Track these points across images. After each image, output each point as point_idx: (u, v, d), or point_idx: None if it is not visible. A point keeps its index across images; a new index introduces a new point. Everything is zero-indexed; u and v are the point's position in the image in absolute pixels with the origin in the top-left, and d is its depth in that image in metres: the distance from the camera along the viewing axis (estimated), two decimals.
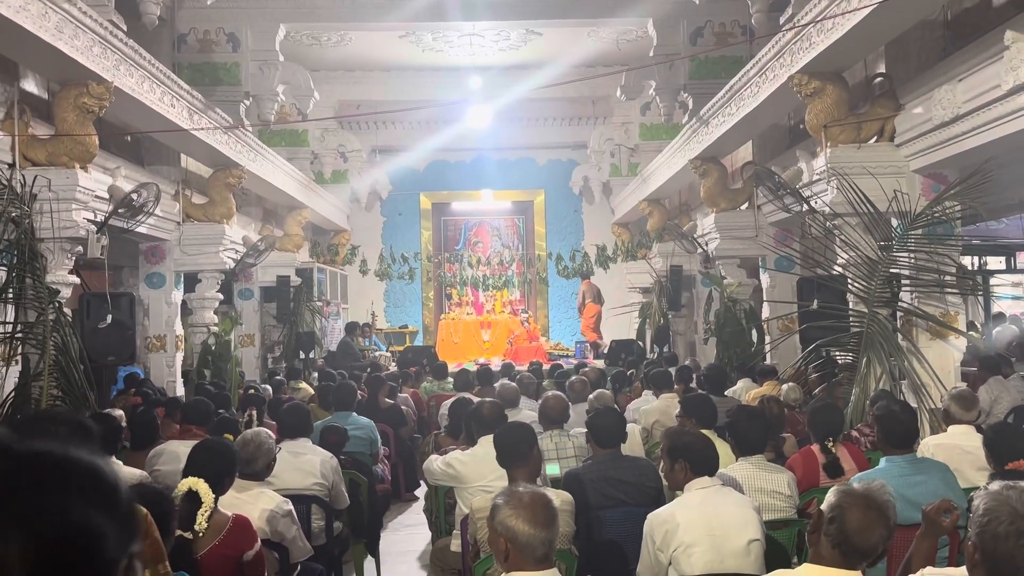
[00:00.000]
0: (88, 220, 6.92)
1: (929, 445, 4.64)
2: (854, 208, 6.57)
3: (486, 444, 4.17)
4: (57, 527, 0.71)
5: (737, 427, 4.18)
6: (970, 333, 8.02)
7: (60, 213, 6.35)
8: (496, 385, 7.38)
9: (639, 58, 12.98)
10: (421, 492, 7.44)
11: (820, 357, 7.08)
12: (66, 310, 6.34)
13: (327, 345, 14.18)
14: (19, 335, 5.78)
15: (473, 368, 9.86)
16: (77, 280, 6.97)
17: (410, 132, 17.14)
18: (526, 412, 6.21)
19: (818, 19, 6.35)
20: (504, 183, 18.09)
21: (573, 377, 8.12)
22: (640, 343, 13.88)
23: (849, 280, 6.75)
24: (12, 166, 6.35)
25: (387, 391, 8.38)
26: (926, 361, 6.36)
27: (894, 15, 5.83)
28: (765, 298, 9.69)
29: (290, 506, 4.01)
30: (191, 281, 10.26)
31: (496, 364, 11.53)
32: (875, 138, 7.06)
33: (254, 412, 7.01)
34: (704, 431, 4.11)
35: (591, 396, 6.44)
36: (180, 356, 9.71)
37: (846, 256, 6.77)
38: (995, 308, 12.77)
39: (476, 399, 5.84)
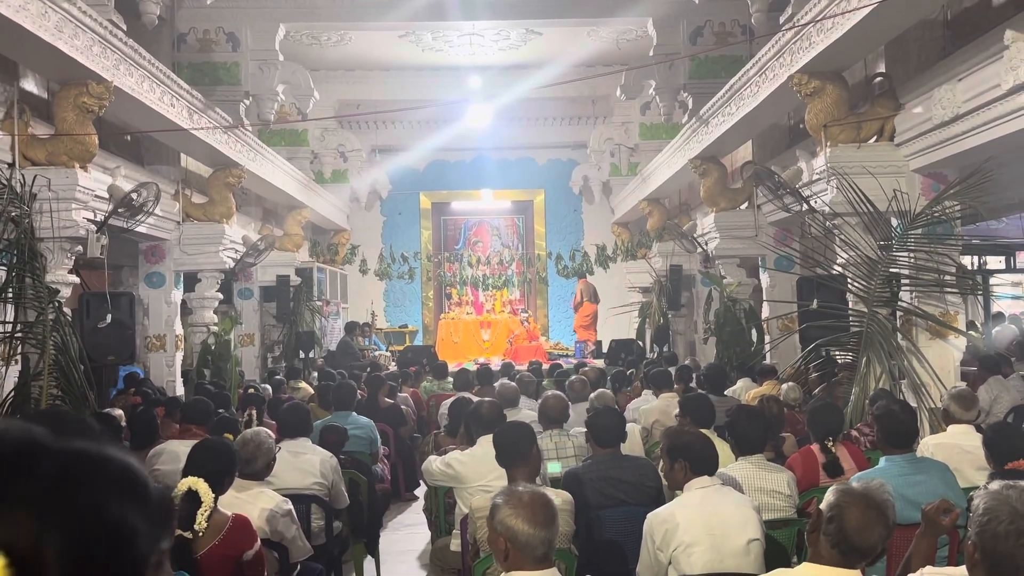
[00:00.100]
0: (88, 220, 6.92)
1: (929, 445, 4.65)
2: (854, 208, 6.57)
3: (485, 444, 4.17)
4: (94, 525, 0.72)
5: (737, 427, 4.19)
6: (970, 333, 8.02)
7: (60, 213, 6.35)
8: (496, 385, 7.38)
9: (639, 58, 12.99)
10: (421, 492, 7.43)
11: (820, 357, 7.08)
12: (66, 310, 6.34)
13: (327, 345, 14.19)
14: (19, 335, 5.78)
15: (473, 368, 9.86)
16: (77, 280, 6.97)
17: (410, 132, 17.15)
18: (526, 412, 6.21)
19: (818, 19, 6.35)
20: (504, 183, 18.09)
21: (573, 377, 8.12)
22: (640, 343, 13.89)
23: (849, 280, 6.75)
24: (12, 166, 6.35)
25: (387, 391, 8.38)
26: (926, 361, 6.36)
27: (894, 15, 5.83)
28: (765, 298, 9.69)
29: (290, 506, 4.01)
30: (191, 281, 10.26)
31: (496, 364, 11.53)
32: (875, 138, 7.06)
33: (254, 412, 7.01)
34: (703, 431, 4.11)
35: (592, 395, 6.44)
36: (180, 356, 9.71)
37: (846, 256, 6.77)
38: (994, 308, 12.77)
39: (476, 399, 5.84)
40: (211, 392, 7.32)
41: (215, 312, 10.66)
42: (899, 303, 6.71)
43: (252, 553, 3.37)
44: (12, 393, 5.63)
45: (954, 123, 6.06)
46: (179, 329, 9.72)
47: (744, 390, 7.74)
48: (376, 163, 17.45)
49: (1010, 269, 13.44)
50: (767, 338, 9.53)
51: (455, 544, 4.46)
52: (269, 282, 12.98)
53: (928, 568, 2.55)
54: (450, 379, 10.01)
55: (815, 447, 4.56)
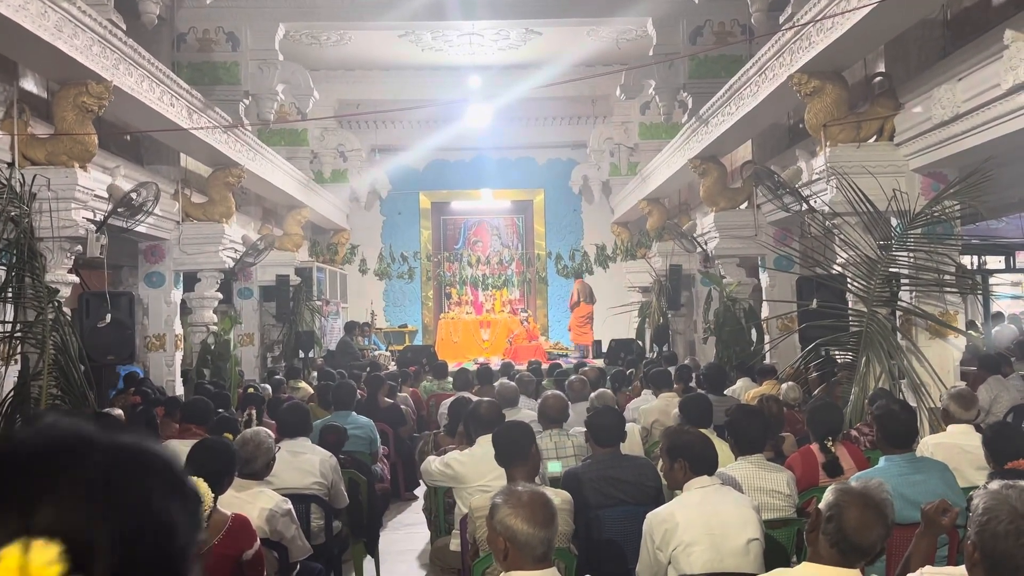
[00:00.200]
0: (87, 219, 6.92)
1: (928, 444, 4.64)
2: (853, 207, 6.57)
3: (484, 443, 4.17)
4: (141, 517, 0.74)
5: (736, 426, 4.19)
6: (969, 332, 8.02)
7: (59, 212, 6.35)
8: (495, 384, 7.38)
9: (639, 57, 12.98)
10: (420, 491, 7.43)
11: (819, 356, 7.08)
12: (65, 309, 6.34)
13: (326, 344, 14.19)
14: (18, 334, 5.77)
15: (472, 367, 9.86)
16: (76, 279, 6.97)
17: (410, 131, 17.15)
18: (525, 411, 6.20)
19: (818, 18, 6.35)
20: (503, 182, 18.09)
21: (572, 376, 8.12)
22: (639, 342, 13.89)
23: (848, 279, 6.75)
24: (11, 165, 6.35)
25: (386, 390, 8.38)
26: (925, 360, 6.36)
27: (894, 14, 5.83)
28: (764, 297, 9.69)
29: (289, 505, 4.01)
30: (190, 280, 10.26)
31: (495, 363, 11.53)
32: (874, 137, 7.06)
33: (253, 411, 7.01)
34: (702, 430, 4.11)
35: (592, 395, 6.44)
36: (179, 355, 9.71)
37: (845, 255, 6.77)
38: (994, 308, 12.77)
39: (475, 398, 5.84)
40: (211, 392, 7.32)
41: (215, 312, 10.66)
42: (899, 303, 6.71)
43: (252, 553, 3.37)
44: (12, 393, 5.63)
45: (954, 123, 6.06)
46: (179, 329, 9.72)
47: (744, 390, 7.74)
48: (376, 163, 17.44)
49: (1009, 269, 13.44)
50: (767, 338, 9.53)
51: (455, 544, 4.46)
52: (269, 282, 12.98)
53: (927, 568, 2.55)
54: (450, 379, 10.01)
55: (814, 447, 4.56)
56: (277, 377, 10.01)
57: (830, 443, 4.48)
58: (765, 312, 9.53)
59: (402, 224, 18.33)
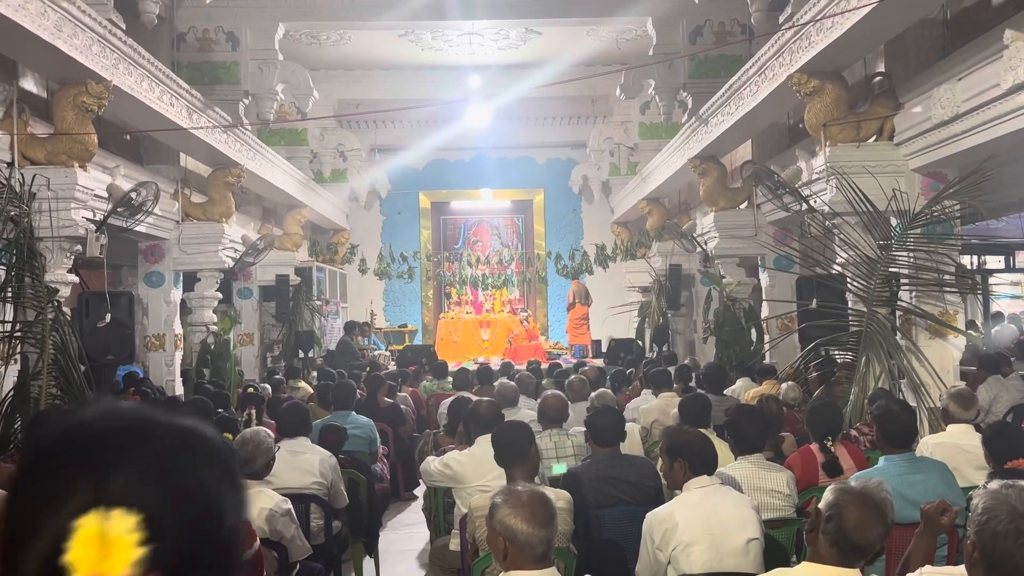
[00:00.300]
0: (87, 219, 6.92)
1: (928, 444, 4.64)
2: (853, 207, 6.57)
3: (484, 443, 4.17)
4: (198, 498, 0.77)
5: (736, 426, 4.19)
6: (969, 332, 8.02)
7: (59, 212, 6.34)
8: (495, 384, 7.38)
9: (638, 57, 12.99)
10: (420, 491, 7.43)
11: (819, 356, 7.08)
12: (65, 309, 6.34)
13: (326, 344, 14.19)
14: (18, 334, 5.77)
15: (472, 367, 9.86)
16: (76, 279, 6.97)
17: (409, 131, 17.14)
18: (525, 411, 6.20)
19: (817, 18, 6.35)
20: (503, 182, 18.09)
21: (572, 376, 8.12)
22: (639, 342, 13.90)
23: (848, 279, 6.75)
24: (11, 165, 6.34)
25: (386, 390, 8.38)
26: (925, 360, 6.36)
27: (893, 14, 5.83)
28: (764, 297, 9.69)
29: (289, 505, 4.01)
30: (190, 280, 10.25)
31: (495, 363, 11.53)
32: (874, 137, 7.07)
33: (253, 411, 7.01)
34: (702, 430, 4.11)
35: (593, 395, 6.44)
36: (179, 355, 9.70)
37: (845, 255, 6.77)
38: (994, 307, 12.78)
39: (475, 398, 5.84)
40: (210, 391, 7.32)
41: (214, 311, 10.66)
42: (898, 302, 6.71)
43: (251, 552, 3.37)
44: (11, 392, 5.63)
45: (953, 122, 6.06)
46: (178, 328, 9.72)
47: (743, 389, 7.74)
48: (375, 162, 17.44)
49: (1009, 269, 13.44)
50: (766, 337, 9.53)
51: (454, 543, 4.46)
52: (268, 281, 12.98)
53: (927, 567, 2.55)
54: (449, 378, 10.00)
55: (814, 446, 4.56)
56: (277, 377, 10.01)
57: (830, 443, 4.48)
58: (765, 312, 9.53)
59: (402, 224, 18.32)
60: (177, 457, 0.78)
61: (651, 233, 14.96)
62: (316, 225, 16.56)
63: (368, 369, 10.68)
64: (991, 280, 12.74)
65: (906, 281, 6.71)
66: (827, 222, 6.98)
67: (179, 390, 9.23)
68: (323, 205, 15.46)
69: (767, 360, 8.80)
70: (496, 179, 18.02)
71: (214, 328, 10.44)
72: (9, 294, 5.73)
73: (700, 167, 10.39)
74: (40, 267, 5.92)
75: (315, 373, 11.47)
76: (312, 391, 9.38)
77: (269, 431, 4.41)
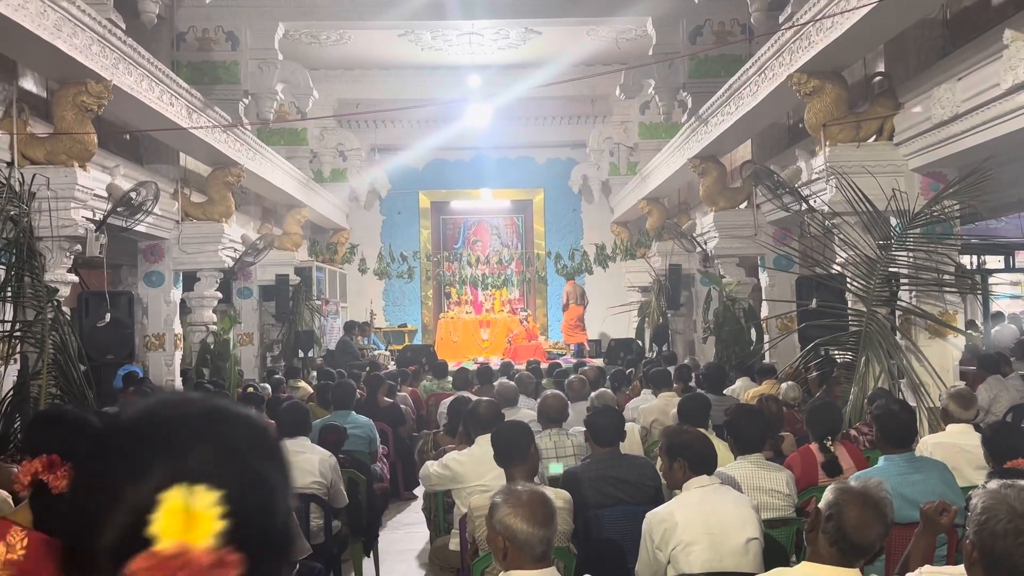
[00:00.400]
0: (87, 219, 6.92)
1: (928, 444, 4.64)
2: (853, 207, 6.57)
3: (484, 443, 4.17)
4: (263, 484, 0.82)
5: (735, 426, 4.19)
6: (969, 332, 8.03)
7: (59, 212, 6.34)
8: (495, 384, 7.38)
9: (638, 57, 12.99)
10: (420, 491, 7.44)
11: (819, 356, 7.08)
12: (65, 309, 6.34)
13: (326, 344, 14.19)
14: (18, 334, 5.77)
15: (472, 367, 9.86)
16: (76, 279, 6.97)
17: (409, 131, 17.14)
18: (525, 411, 6.21)
19: (817, 18, 6.35)
20: (503, 182, 18.08)
21: (572, 376, 8.12)
22: (639, 342, 13.90)
23: (848, 279, 6.75)
24: (11, 164, 6.34)
25: (386, 390, 8.38)
26: (925, 360, 6.36)
27: (893, 14, 5.83)
28: (764, 297, 9.70)
29: None
30: (190, 280, 10.25)
31: (495, 363, 11.53)
32: (874, 137, 7.07)
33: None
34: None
35: (593, 395, 6.44)
36: (179, 355, 9.70)
37: (845, 255, 6.77)
38: (994, 307, 12.78)
39: (475, 398, 5.84)
40: (210, 391, 7.31)
41: (214, 311, 10.66)
42: (898, 302, 6.72)
43: None
44: (11, 392, 5.63)
45: (953, 122, 6.06)
46: (178, 328, 9.72)
47: (743, 389, 7.74)
48: (375, 162, 17.44)
49: (1009, 269, 13.44)
50: (766, 337, 9.54)
51: (454, 543, 4.46)
52: (268, 281, 12.98)
53: (927, 567, 2.55)
54: (449, 378, 10.01)
55: (814, 446, 4.56)
56: (276, 376, 10.01)
57: (829, 443, 4.48)
58: (764, 312, 9.54)
59: (402, 224, 18.32)
60: (246, 442, 0.83)
61: (651, 233, 14.96)
62: (316, 225, 16.56)
63: (368, 369, 10.68)
64: (991, 280, 12.73)
65: (906, 281, 6.71)
66: (827, 222, 6.98)
67: (179, 390, 9.22)
68: (323, 205, 15.46)
69: (767, 360, 8.80)
70: (496, 179, 18.01)
71: (214, 328, 10.44)
72: (9, 294, 5.73)
73: (700, 167, 10.39)
74: (40, 267, 5.92)
75: (315, 373, 11.47)
76: (312, 391, 9.38)
77: None
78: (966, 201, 6.39)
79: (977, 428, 4.64)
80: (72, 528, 0.80)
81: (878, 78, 7.49)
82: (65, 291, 6.65)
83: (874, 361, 6.28)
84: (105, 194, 7.63)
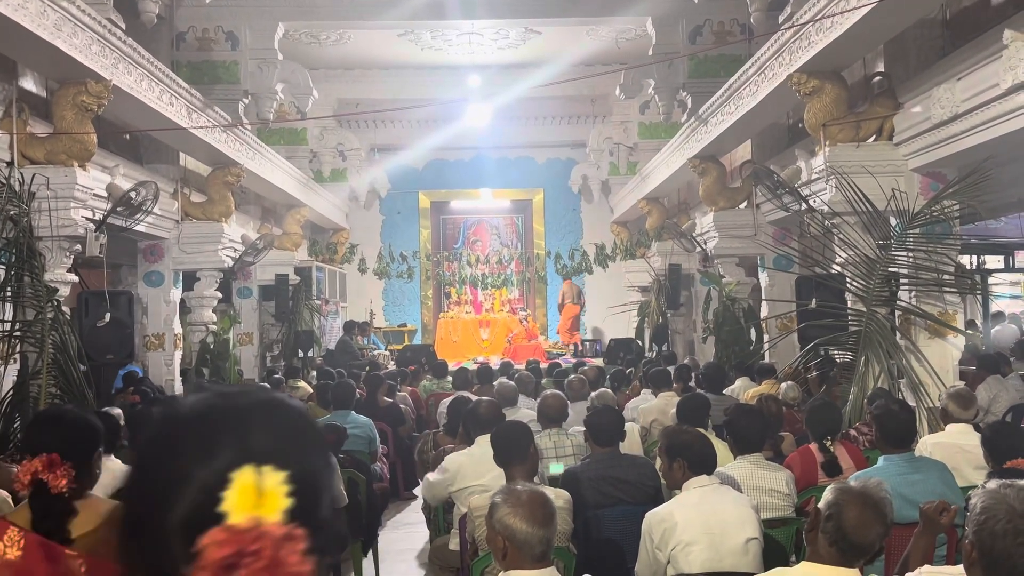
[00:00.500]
0: (87, 218, 6.92)
1: (927, 444, 4.65)
2: (853, 207, 6.57)
3: (483, 443, 4.17)
4: (317, 470, 0.88)
5: (735, 425, 4.19)
6: (968, 332, 8.03)
7: (58, 211, 6.34)
8: (495, 384, 7.38)
9: (638, 57, 12.98)
10: (419, 491, 7.43)
11: (818, 356, 7.08)
12: (64, 308, 6.34)
13: (326, 344, 14.18)
14: (17, 333, 5.77)
15: (472, 367, 9.86)
16: (75, 278, 6.97)
17: (409, 131, 17.14)
18: (524, 411, 6.21)
19: (817, 18, 6.35)
20: (503, 182, 18.08)
21: (572, 376, 8.12)
22: (639, 342, 13.90)
23: (848, 279, 6.75)
24: (10, 164, 6.35)
25: (386, 390, 8.38)
26: (924, 360, 6.36)
27: (893, 14, 5.83)
28: (764, 297, 9.70)
29: None
30: (189, 279, 10.25)
31: (495, 363, 11.53)
32: (874, 137, 7.07)
33: None
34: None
35: (593, 395, 6.44)
36: (179, 354, 9.71)
37: (845, 255, 6.77)
38: (995, 307, 12.78)
39: (475, 397, 5.84)
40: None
41: (214, 311, 10.66)
42: (898, 302, 6.72)
43: None
44: (11, 392, 5.63)
45: (953, 122, 6.06)
46: (178, 328, 9.72)
47: (743, 389, 7.74)
48: (375, 162, 17.44)
49: (1008, 268, 13.45)
50: (766, 337, 9.54)
51: (454, 543, 4.46)
52: (268, 281, 12.98)
53: (926, 567, 2.55)
54: (449, 378, 10.01)
55: (813, 446, 4.56)
56: (276, 376, 10.00)
57: (829, 442, 4.48)
58: (764, 312, 9.54)
59: (401, 223, 18.32)
60: (300, 430, 0.89)
61: (650, 233, 14.97)
62: (315, 225, 16.56)
63: (367, 369, 10.68)
64: (990, 280, 12.73)
65: (905, 281, 6.71)
66: (826, 222, 6.98)
67: (178, 390, 9.23)
68: (323, 205, 15.46)
69: (766, 360, 8.80)
70: (496, 179, 18.01)
71: (213, 328, 10.44)
72: (8, 293, 5.73)
73: (700, 167, 10.39)
74: (40, 266, 5.92)
75: (314, 373, 11.47)
76: (311, 391, 9.38)
77: None
78: (966, 201, 6.39)
79: (977, 428, 4.64)
80: (140, 505, 0.86)
81: (878, 78, 7.49)
82: (65, 291, 6.65)
83: (874, 361, 6.28)
84: (105, 194, 7.63)
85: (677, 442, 3.57)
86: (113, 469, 3.84)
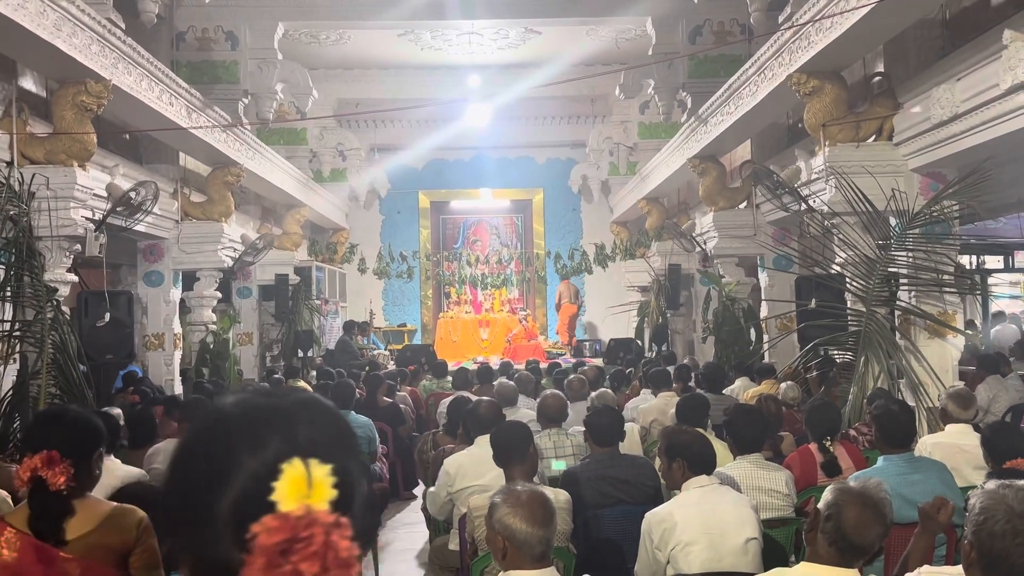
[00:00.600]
0: (86, 218, 6.92)
1: (927, 444, 4.65)
2: (852, 207, 6.57)
3: (483, 444, 4.17)
4: (353, 465, 0.92)
5: (735, 426, 4.19)
6: (968, 332, 8.03)
7: (58, 211, 6.34)
8: (494, 384, 7.39)
9: (638, 57, 12.99)
10: (419, 491, 7.44)
11: (818, 356, 7.09)
12: (64, 308, 6.34)
13: (325, 343, 14.19)
14: (17, 333, 5.77)
15: (472, 367, 9.86)
16: (75, 278, 6.97)
17: (409, 130, 17.14)
18: (524, 411, 6.21)
19: (817, 18, 6.35)
20: (503, 182, 18.08)
21: (571, 375, 8.12)
22: (639, 342, 13.90)
23: (847, 279, 6.75)
24: (10, 164, 6.35)
25: (385, 389, 8.38)
26: (924, 360, 6.36)
27: (893, 14, 5.83)
28: (763, 297, 9.70)
29: None
30: (189, 279, 10.25)
31: (494, 362, 11.53)
32: (873, 137, 7.07)
33: None
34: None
35: (593, 395, 6.44)
36: (178, 354, 9.70)
37: (844, 255, 6.77)
38: (994, 307, 12.79)
39: (475, 397, 5.84)
40: (209, 391, 7.32)
41: (214, 311, 10.65)
42: (897, 302, 6.72)
43: None
44: (10, 392, 5.63)
45: (953, 123, 6.07)
46: (177, 328, 9.72)
47: (742, 389, 7.75)
48: (375, 162, 17.43)
49: (1008, 269, 13.45)
50: (765, 337, 9.54)
51: (454, 543, 4.46)
52: (268, 281, 12.98)
53: (926, 567, 2.55)
54: (449, 378, 10.01)
55: (813, 446, 4.56)
56: (276, 376, 10.00)
57: (828, 443, 4.48)
58: (764, 312, 9.54)
59: (401, 223, 18.32)
60: (337, 427, 0.94)
61: (650, 233, 14.97)
62: (315, 224, 16.56)
63: (367, 368, 10.68)
64: (990, 280, 12.74)
65: (905, 281, 6.71)
66: (826, 222, 6.98)
67: (178, 389, 9.23)
68: (322, 204, 15.46)
69: (766, 360, 8.81)
70: (495, 179, 18.01)
71: (213, 327, 10.44)
72: (8, 293, 5.73)
73: (699, 167, 10.39)
74: (39, 266, 5.92)
75: (314, 372, 11.47)
76: (311, 390, 9.37)
77: None
78: (965, 201, 6.39)
79: (976, 428, 4.64)
80: (189, 494, 0.89)
81: (877, 78, 7.49)
82: (65, 291, 6.65)
83: (873, 361, 6.28)
84: (105, 194, 7.63)
85: (677, 442, 3.57)
86: (113, 469, 3.84)
